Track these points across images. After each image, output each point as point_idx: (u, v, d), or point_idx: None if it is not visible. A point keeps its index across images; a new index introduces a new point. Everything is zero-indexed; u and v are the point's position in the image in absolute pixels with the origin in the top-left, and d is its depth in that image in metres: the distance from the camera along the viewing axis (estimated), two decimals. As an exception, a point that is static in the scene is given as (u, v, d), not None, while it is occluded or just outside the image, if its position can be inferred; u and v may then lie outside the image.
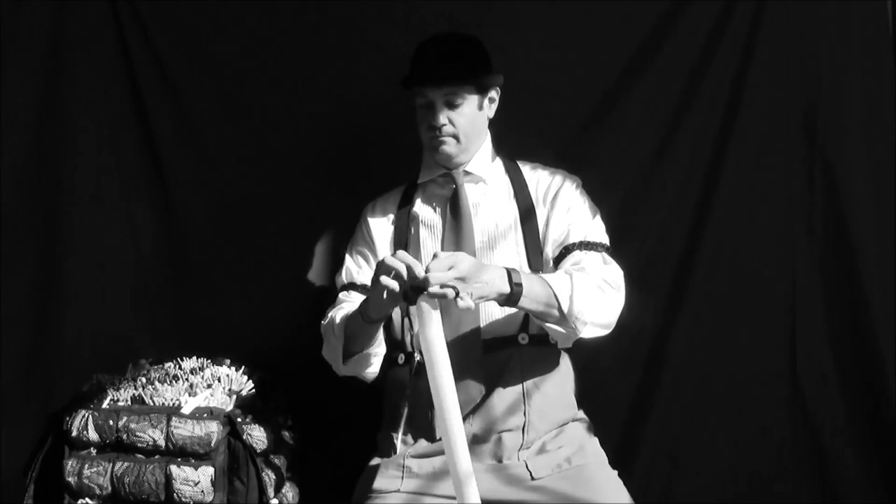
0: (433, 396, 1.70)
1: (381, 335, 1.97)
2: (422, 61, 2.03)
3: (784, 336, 2.43)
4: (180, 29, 2.48)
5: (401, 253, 1.75)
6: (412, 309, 1.90)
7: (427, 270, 1.69)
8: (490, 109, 2.10)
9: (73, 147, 2.49)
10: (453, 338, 1.95)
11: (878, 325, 2.37)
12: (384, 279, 1.73)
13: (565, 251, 2.00)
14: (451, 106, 2.01)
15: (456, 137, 2.03)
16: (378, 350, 1.99)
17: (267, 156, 2.51)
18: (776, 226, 2.43)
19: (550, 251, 2.03)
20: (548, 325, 1.90)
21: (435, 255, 1.73)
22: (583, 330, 1.89)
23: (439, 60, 2.00)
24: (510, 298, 1.80)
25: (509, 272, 1.81)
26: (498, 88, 2.09)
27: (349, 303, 2.06)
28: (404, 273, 1.71)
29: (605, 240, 2.04)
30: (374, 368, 2.02)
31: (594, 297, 1.89)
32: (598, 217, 2.08)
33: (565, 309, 1.86)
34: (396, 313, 2.01)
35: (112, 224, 2.51)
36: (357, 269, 2.13)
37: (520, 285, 1.80)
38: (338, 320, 1.99)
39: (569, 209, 2.05)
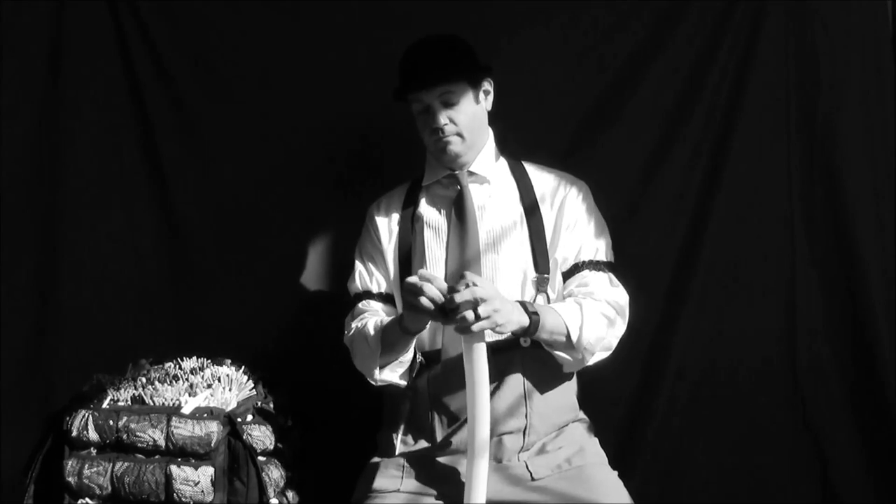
0: (468, 415, 1.77)
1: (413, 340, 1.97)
2: (409, 69, 2.02)
3: (784, 336, 2.44)
4: (180, 29, 2.48)
5: (422, 273, 1.78)
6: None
7: (453, 291, 1.73)
8: (487, 102, 2.09)
9: (72, 147, 2.49)
10: (457, 340, 1.94)
11: (878, 324, 2.37)
12: (421, 302, 1.75)
13: (574, 268, 2.02)
14: (448, 105, 2.00)
15: (460, 135, 2.02)
16: (410, 356, 1.99)
17: (267, 155, 2.51)
18: (776, 225, 2.44)
19: (560, 260, 2.02)
20: (557, 352, 1.93)
21: (462, 276, 1.76)
22: (590, 360, 1.95)
23: (426, 63, 2.00)
24: (528, 330, 1.84)
25: (523, 304, 1.85)
26: (490, 80, 2.08)
27: (371, 312, 2.06)
28: (435, 295, 1.75)
29: (612, 257, 2.06)
30: (406, 376, 2.00)
31: (602, 327, 1.94)
32: (606, 231, 2.09)
33: (574, 339, 1.90)
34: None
35: (112, 224, 2.51)
36: (369, 275, 2.11)
37: (536, 314, 1.84)
38: (371, 331, 1.97)
39: (578, 222, 2.05)
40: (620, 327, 1.99)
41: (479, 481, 1.76)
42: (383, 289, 2.09)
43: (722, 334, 2.44)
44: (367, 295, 2.09)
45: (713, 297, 2.43)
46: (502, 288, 1.95)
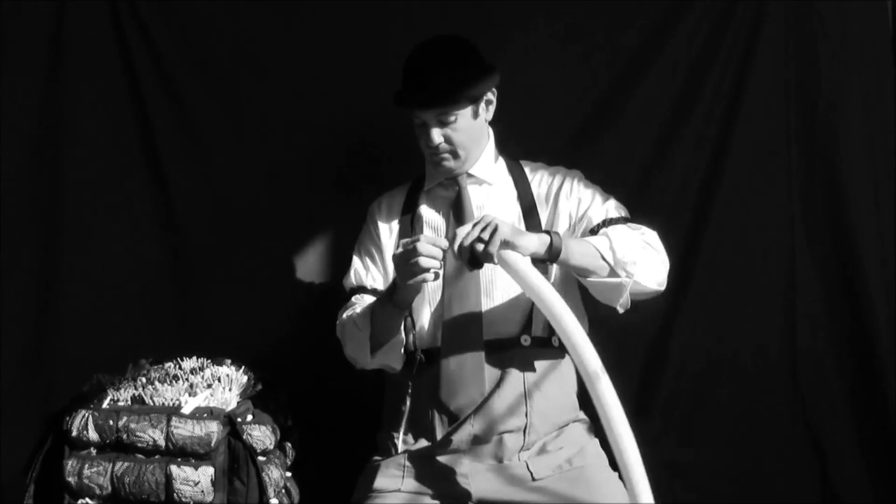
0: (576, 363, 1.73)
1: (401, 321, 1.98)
2: (410, 79, 1.99)
3: (784, 335, 2.44)
4: (180, 29, 2.48)
5: (404, 241, 1.79)
6: (416, 304, 1.97)
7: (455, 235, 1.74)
8: (488, 113, 2.06)
9: (73, 147, 2.49)
10: (456, 339, 1.96)
11: (878, 324, 2.37)
12: (421, 262, 1.75)
13: (591, 234, 1.97)
14: (445, 123, 1.98)
15: (454, 153, 2.01)
16: (401, 337, 1.99)
17: (267, 155, 2.51)
18: (776, 225, 2.44)
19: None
20: (598, 279, 1.86)
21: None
22: (636, 273, 1.85)
23: (427, 78, 1.96)
24: (551, 248, 1.79)
25: (549, 230, 1.84)
26: (494, 89, 2.05)
27: (361, 305, 2.06)
28: (433, 251, 1.76)
29: (626, 213, 2.02)
30: (400, 360, 2.01)
31: (637, 244, 1.88)
32: (610, 196, 2.05)
33: (610, 259, 1.84)
34: None
35: (112, 224, 2.51)
36: (365, 271, 2.12)
37: (557, 234, 1.82)
38: (359, 315, 1.99)
39: (580, 201, 2.03)
40: (660, 257, 1.92)
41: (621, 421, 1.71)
42: (378, 285, 2.10)
43: (722, 334, 2.44)
44: (362, 290, 2.11)
45: (713, 297, 2.43)
46: (502, 286, 1.97)
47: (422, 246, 1.76)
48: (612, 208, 2.02)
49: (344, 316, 2.06)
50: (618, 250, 1.84)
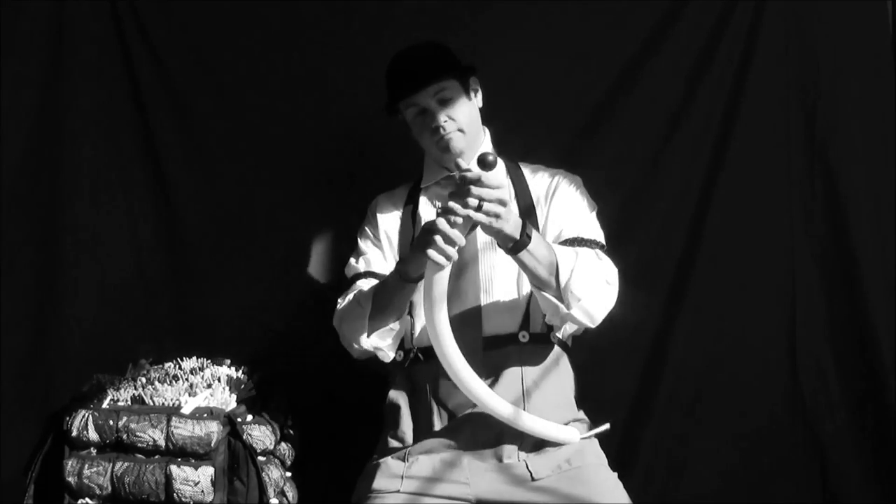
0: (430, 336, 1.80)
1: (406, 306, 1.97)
2: (399, 75, 2.04)
3: (784, 335, 2.43)
4: (181, 29, 2.49)
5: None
6: (415, 301, 1.96)
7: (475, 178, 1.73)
8: (478, 99, 2.10)
9: (73, 147, 2.49)
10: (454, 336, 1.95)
11: (877, 323, 2.37)
12: (444, 233, 1.73)
13: (563, 244, 1.97)
14: (445, 103, 2.01)
15: (461, 130, 2.03)
16: (399, 326, 1.98)
17: (267, 155, 2.51)
18: (776, 225, 2.43)
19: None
20: (542, 292, 1.88)
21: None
22: (574, 307, 1.86)
23: (415, 65, 2.01)
24: (515, 246, 1.80)
25: (524, 222, 1.81)
26: (475, 78, 2.09)
27: (366, 287, 2.04)
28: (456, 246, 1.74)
29: (600, 237, 2.03)
30: (393, 348, 2.00)
31: (594, 280, 1.89)
32: (594, 215, 2.07)
33: (563, 281, 1.85)
34: None
35: (112, 224, 2.51)
36: (374, 255, 2.10)
37: (529, 237, 1.80)
38: (365, 293, 1.97)
39: (564, 206, 2.05)
40: (610, 295, 1.93)
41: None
42: (384, 270, 2.06)
43: (722, 334, 2.44)
44: (369, 274, 2.08)
45: (713, 297, 2.43)
46: (500, 283, 1.98)
47: (442, 224, 1.73)
48: (589, 227, 2.02)
49: (344, 301, 2.04)
50: (574, 279, 1.85)
